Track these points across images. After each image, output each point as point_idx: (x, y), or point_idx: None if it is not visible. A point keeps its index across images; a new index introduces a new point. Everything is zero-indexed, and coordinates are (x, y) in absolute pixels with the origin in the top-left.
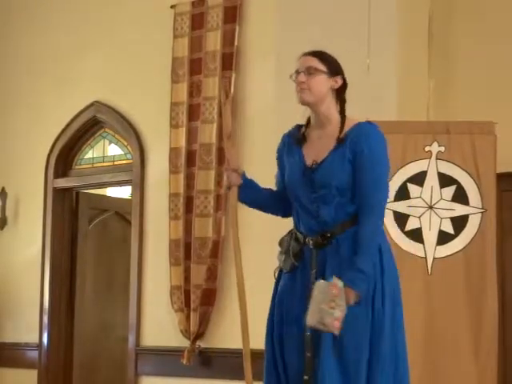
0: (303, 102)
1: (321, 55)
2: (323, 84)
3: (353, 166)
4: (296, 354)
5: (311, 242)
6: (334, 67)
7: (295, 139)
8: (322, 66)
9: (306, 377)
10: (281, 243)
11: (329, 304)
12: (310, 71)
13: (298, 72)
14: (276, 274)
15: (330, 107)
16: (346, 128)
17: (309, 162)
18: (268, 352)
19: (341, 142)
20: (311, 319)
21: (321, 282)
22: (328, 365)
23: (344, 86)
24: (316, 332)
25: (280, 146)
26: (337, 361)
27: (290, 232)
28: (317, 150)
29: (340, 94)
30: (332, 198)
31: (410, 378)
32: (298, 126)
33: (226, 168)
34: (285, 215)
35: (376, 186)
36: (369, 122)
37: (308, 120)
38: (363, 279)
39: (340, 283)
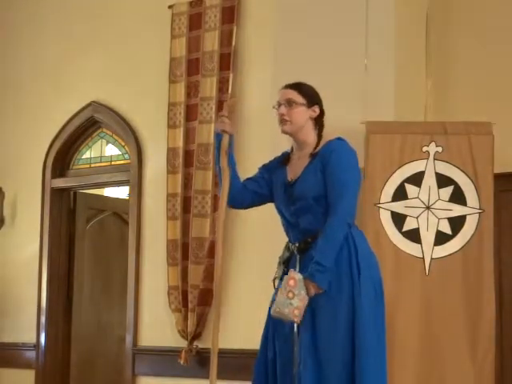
0: (285, 133)
1: (299, 88)
2: (302, 115)
3: (324, 176)
4: (287, 350)
5: (296, 248)
6: (311, 98)
7: (282, 160)
8: (300, 99)
9: (295, 369)
10: (279, 257)
11: (287, 294)
12: (290, 104)
13: (279, 104)
14: (275, 283)
15: (308, 133)
16: (319, 147)
17: (289, 178)
18: (261, 353)
19: (313, 157)
20: (272, 310)
21: (285, 276)
22: (304, 356)
23: (321, 113)
24: (299, 327)
25: (268, 162)
26: (312, 352)
27: (285, 245)
28: (296, 168)
29: (318, 120)
30: (309, 207)
31: (406, 378)
32: (284, 153)
33: (220, 114)
34: (232, 202)
35: (341, 190)
36: (338, 138)
37: (291, 146)
38: (322, 271)
39: (298, 275)
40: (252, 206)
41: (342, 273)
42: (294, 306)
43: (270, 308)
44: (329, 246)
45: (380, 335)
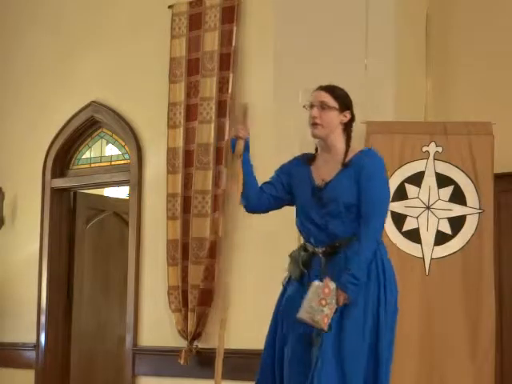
0: (315, 137)
1: (333, 91)
2: (334, 119)
3: (358, 185)
4: (300, 350)
5: (321, 251)
6: (344, 103)
7: (305, 159)
8: (334, 103)
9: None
10: (290, 255)
11: (320, 302)
12: (323, 106)
13: (311, 105)
14: (284, 283)
15: (338, 138)
16: (351, 154)
17: (318, 181)
18: (268, 353)
19: (346, 166)
20: (302, 314)
21: (315, 282)
22: (327, 359)
23: (352, 119)
24: (319, 331)
25: (286, 164)
26: (335, 357)
27: (300, 246)
28: (324, 172)
29: (347, 126)
30: (339, 212)
31: (406, 378)
32: (306, 154)
33: (235, 122)
34: (249, 206)
35: (374, 206)
36: (369, 149)
37: (316, 147)
38: (355, 284)
39: (332, 284)
40: (270, 210)
41: (370, 286)
42: (325, 313)
43: (277, 306)
44: (362, 261)
45: (391, 345)
